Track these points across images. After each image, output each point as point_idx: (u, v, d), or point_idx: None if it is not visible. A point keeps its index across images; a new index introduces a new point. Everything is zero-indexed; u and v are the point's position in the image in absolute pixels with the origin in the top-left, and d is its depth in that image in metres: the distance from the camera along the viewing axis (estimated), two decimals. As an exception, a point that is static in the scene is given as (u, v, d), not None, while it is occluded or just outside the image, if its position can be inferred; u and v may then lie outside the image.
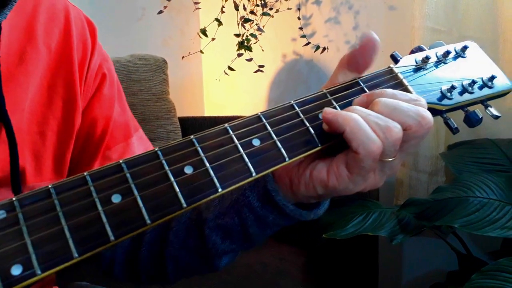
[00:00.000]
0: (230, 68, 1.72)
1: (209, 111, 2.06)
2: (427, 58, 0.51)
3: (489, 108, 0.50)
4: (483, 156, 1.27)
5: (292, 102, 0.46)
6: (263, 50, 1.74)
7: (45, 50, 0.59)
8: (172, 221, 0.58)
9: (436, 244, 1.51)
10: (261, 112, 0.44)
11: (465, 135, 1.36)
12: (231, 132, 0.42)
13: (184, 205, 0.38)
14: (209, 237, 0.54)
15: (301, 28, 1.70)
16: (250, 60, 1.69)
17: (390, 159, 0.43)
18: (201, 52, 1.78)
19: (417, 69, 0.51)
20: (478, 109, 0.50)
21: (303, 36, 1.69)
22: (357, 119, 0.42)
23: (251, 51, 1.68)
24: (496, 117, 0.48)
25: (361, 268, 1.37)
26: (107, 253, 0.62)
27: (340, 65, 0.49)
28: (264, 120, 0.43)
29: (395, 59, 0.51)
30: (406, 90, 0.49)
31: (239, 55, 1.70)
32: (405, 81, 0.49)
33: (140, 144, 0.68)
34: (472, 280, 0.94)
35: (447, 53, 0.52)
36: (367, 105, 0.45)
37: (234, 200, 0.52)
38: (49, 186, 0.36)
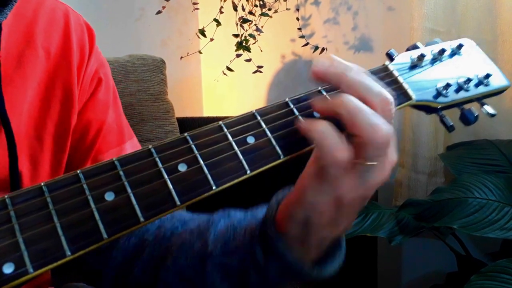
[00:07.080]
0: (229, 69, 1.71)
1: (208, 112, 2.05)
2: (422, 56, 0.51)
3: (484, 106, 0.50)
4: (482, 157, 1.27)
5: (287, 99, 0.45)
6: (261, 51, 1.73)
7: (44, 54, 0.59)
8: (173, 246, 0.55)
9: (436, 245, 1.51)
10: (256, 110, 0.44)
11: (464, 136, 1.35)
12: (225, 130, 0.42)
13: (178, 203, 0.38)
14: (210, 275, 0.51)
15: (300, 29, 1.69)
16: (248, 60, 1.68)
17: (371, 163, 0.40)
18: (200, 52, 1.78)
19: (413, 66, 0.50)
20: (473, 107, 0.49)
21: (302, 36, 1.69)
22: (323, 131, 0.40)
23: (249, 51, 1.68)
24: (492, 115, 0.48)
25: (360, 269, 1.36)
26: (95, 265, 0.60)
27: None
28: (259, 118, 0.43)
29: (390, 57, 0.51)
30: (401, 87, 0.49)
31: (238, 55, 1.69)
32: (400, 78, 0.49)
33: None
34: (471, 281, 0.93)
35: (443, 51, 0.51)
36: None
37: (242, 243, 0.49)
38: (42, 183, 0.36)
